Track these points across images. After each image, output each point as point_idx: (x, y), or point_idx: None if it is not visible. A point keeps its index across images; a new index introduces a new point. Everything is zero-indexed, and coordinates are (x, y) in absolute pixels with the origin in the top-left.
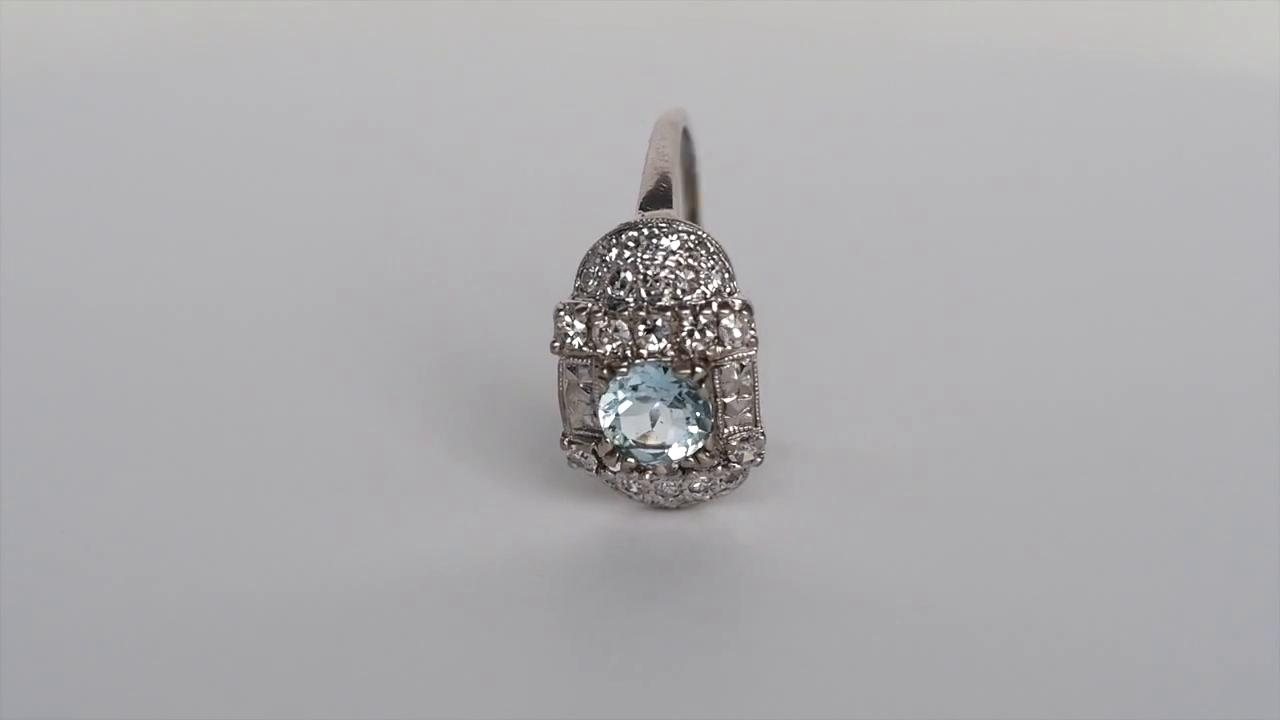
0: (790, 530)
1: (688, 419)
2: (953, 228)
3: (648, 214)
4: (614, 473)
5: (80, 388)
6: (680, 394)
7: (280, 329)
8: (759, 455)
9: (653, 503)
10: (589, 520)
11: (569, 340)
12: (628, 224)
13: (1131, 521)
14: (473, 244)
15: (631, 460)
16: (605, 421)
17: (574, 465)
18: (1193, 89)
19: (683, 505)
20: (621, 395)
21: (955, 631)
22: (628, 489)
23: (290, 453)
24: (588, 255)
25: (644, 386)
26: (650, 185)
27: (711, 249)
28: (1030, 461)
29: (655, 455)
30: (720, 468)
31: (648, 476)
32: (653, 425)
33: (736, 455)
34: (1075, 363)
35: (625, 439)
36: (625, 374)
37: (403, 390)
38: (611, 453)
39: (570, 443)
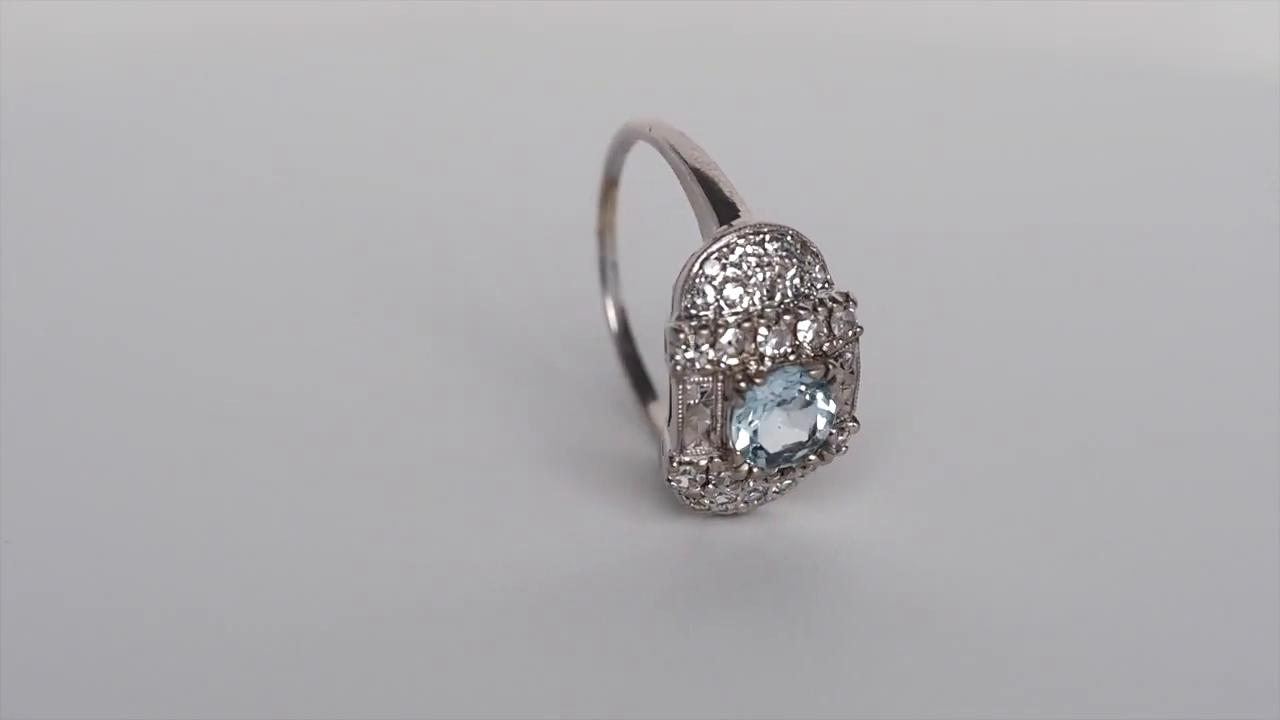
0: (863, 538)
1: (820, 411)
2: (1025, 230)
3: (738, 223)
4: (721, 490)
5: (87, 390)
6: (812, 390)
7: (339, 328)
8: (846, 445)
9: (732, 511)
10: (656, 529)
11: (693, 361)
12: (723, 235)
13: (1223, 535)
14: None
15: (755, 467)
16: (745, 430)
17: (677, 483)
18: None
19: (760, 505)
20: (761, 402)
21: (1029, 643)
22: (718, 502)
23: (366, 460)
24: (689, 273)
25: (780, 390)
26: (713, 193)
27: (810, 246)
28: (1110, 471)
29: (798, 449)
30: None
31: (750, 482)
32: (796, 424)
33: (836, 444)
34: (1160, 364)
35: (763, 446)
36: (760, 383)
37: (475, 397)
38: (740, 463)
39: (683, 464)
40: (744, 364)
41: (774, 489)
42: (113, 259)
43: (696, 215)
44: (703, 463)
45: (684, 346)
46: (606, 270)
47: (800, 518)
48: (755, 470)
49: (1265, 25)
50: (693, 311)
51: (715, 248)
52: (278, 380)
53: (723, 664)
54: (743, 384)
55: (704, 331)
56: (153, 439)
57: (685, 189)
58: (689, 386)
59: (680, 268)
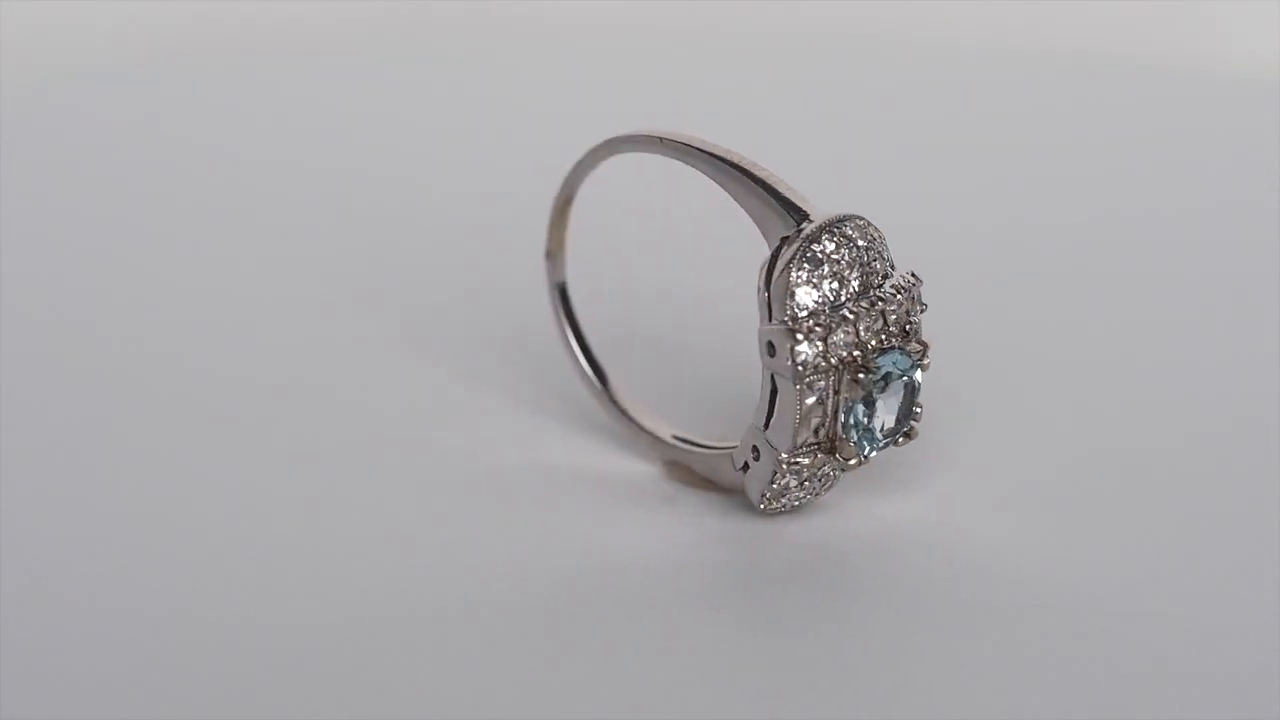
0: (927, 526)
1: (917, 389)
2: (1098, 229)
3: (816, 217)
4: (815, 482)
5: (87, 390)
6: (910, 371)
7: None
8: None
9: (789, 507)
10: (706, 524)
11: (811, 360)
12: (808, 233)
13: None
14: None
15: (865, 457)
16: (876, 416)
17: (782, 484)
18: None
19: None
20: (877, 388)
21: (1091, 630)
22: (795, 499)
23: (410, 459)
24: (779, 278)
25: (888, 374)
26: (776, 194)
27: (876, 229)
28: (1176, 467)
29: (895, 432)
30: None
31: (828, 469)
32: (901, 406)
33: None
34: (1227, 360)
35: (885, 430)
36: (874, 372)
37: (481, 398)
38: (851, 454)
39: (794, 464)
40: (855, 354)
41: (830, 482)
42: (100, 252)
43: (755, 218)
44: (805, 460)
45: (801, 348)
46: (556, 294)
47: (854, 509)
48: (865, 459)
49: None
50: (798, 313)
51: (804, 247)
52: (275, 380)
53: (790, 658)
54: (860, 374)
55: (817, 329)
56: (153, 438)
57: (735, 194)
58: (806, 386)
59: (763, 272)
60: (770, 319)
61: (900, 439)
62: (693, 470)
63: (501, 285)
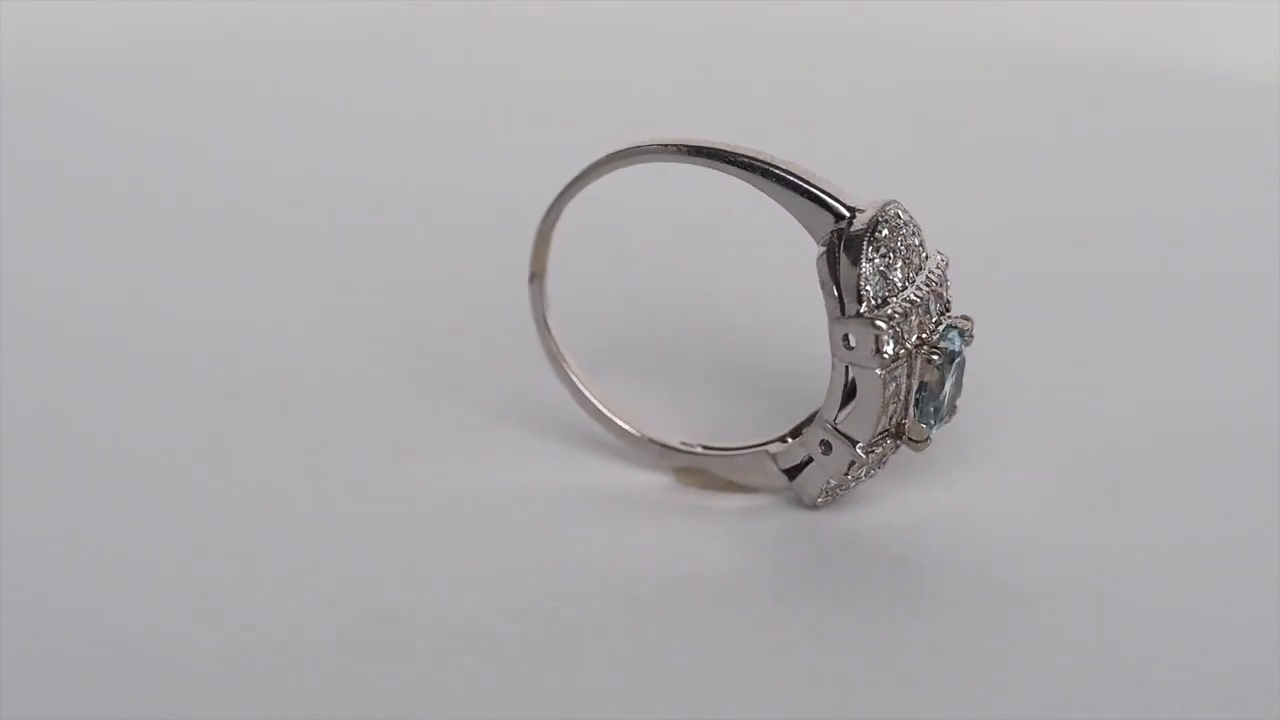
0: (954, 517)
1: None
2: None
3: (867, 206)
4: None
5: (85, 391)
6: (963, 345)
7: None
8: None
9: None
10: (749, 526)
11: (898, 351)
12: (866, 226)
13: None
14: None
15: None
16: (940, 397)
17: (858, 474)
18: None
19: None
20: (951, 365)
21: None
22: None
23: (411, 486)
24: (848, 269)
25: (954, 352)
26: (818, 189)
27: (909, 213)
28: (1208, 455)
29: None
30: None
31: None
32: (960, 380)
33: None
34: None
35: (949, 407)
36: (944, 352)
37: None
38: (923, 436)
39: (871, 451)
40: (924, 336)
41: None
42: (99, 252)
43: (798, 215)
44: (879, 450)
45: (886, 338)
46: (543, 324)
47: (891, 498)
48: (931, 440)
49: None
50: (874, 303)
51: (867, 236)
52: (273, 378)
53: (844, 647)
54: (934, 356)
55: (895, 317)
56: (151, 442)
57: (774, 194)
58: (889, 374)
59: (825, 265)
60: (843, 312)
61: (948, 416)
62: (710, 474)
63: (504, 300)
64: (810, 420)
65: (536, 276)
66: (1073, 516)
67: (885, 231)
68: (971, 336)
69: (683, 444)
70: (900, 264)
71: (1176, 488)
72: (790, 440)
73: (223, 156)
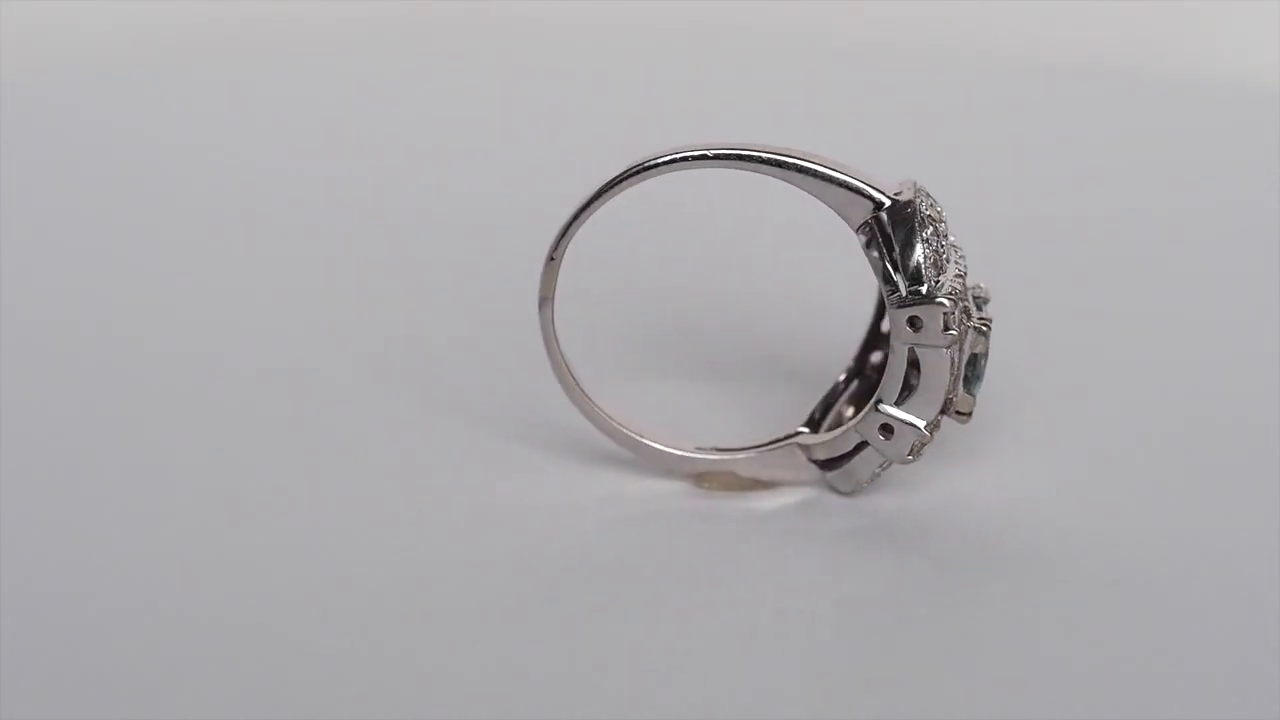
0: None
1: None
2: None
3: (902, 189)
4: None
5: (81, 391)
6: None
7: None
8: None
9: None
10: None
11: (959, 326)
12: (910, 208)
13: None
14: None
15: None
16: (983, 367)
17: (914, 456)
18: None
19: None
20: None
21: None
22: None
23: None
24: (904, 252)
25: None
26: (850, 179)
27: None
28: (1234, 438)
29: None
30: None
31: None
32: None
33: None
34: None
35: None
36: (988, 323)
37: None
38: (969, 406)
39: (935, 426)
40: (969, 308)
41: None
42: (99, 253)
43: (835, 205)
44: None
45: (952, 317)
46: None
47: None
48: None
49: None
50: (933, 284)
51: (915, 217)
52: (274, 389)
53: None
54: (984, 327)
55: (953, 293)
56: (151, 436)
57: (809, 187)
58: (951, 356)
59: (877, 251)
60: (905, 296)
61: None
62: (733, 475)
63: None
64: (828, 406)
65: (547, 301)
66: (1097, 501)
67: (925, 210)
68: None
69: (700, 450)
70: (939, 240)
71: (1201, 474)
72: (815, 432)
73: (223, 157)
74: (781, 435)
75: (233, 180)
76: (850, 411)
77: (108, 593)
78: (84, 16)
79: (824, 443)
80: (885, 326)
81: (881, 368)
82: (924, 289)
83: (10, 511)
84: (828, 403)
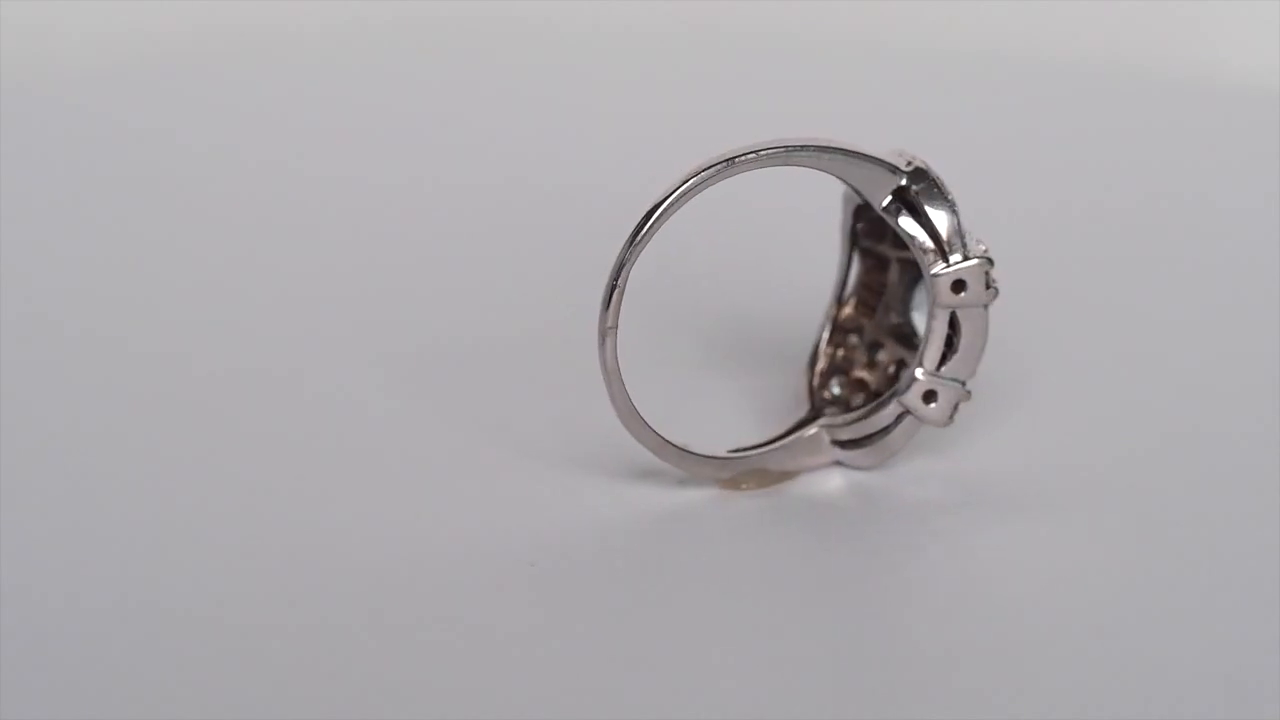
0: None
1: None
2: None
3: (913, 158)
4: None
5: (79, 392)
6: None
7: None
8: None
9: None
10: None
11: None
12: (931, 173)
13: None
14: None
15: None
16: None
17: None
18: None
19: None
20: None
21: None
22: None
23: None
24: (944, 216)
25: None
26: (866, 151)
27: None
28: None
29: None
30: None
31: None
32: None
33: None
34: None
35: None
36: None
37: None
38: None
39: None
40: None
41: None
42: (98, 254)
43: (859, 182)
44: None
45: (994, 273)
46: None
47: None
48: None
49: None
50: (973, 243)
51: (938, 181)
52: (271, 380)
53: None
54: (995, 286)
55: (988, 250)
56: (151, 436)
57: (834, 169)
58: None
59: (914, 221)
60: (947, 261)
61: None
62: (765, 471)
63: (527, 325)
64: (823, 385)
65: (612, 331)
66: (1100, 492)
67: (935, 174)
68: None
69: (734, 451)
70: (955, 206)
71: (1201, 475)
72: (821, 414)
73: (223, 158)
74: (796, 421)
75: (232, 180)
76: (839, 384)
77: (131, 592)
78: (83, 17)
79: (852, 422)
80: (846, 296)
81: (845, 333)
82: (966, 250)
83: (40, 510)
84: (821, 384)
